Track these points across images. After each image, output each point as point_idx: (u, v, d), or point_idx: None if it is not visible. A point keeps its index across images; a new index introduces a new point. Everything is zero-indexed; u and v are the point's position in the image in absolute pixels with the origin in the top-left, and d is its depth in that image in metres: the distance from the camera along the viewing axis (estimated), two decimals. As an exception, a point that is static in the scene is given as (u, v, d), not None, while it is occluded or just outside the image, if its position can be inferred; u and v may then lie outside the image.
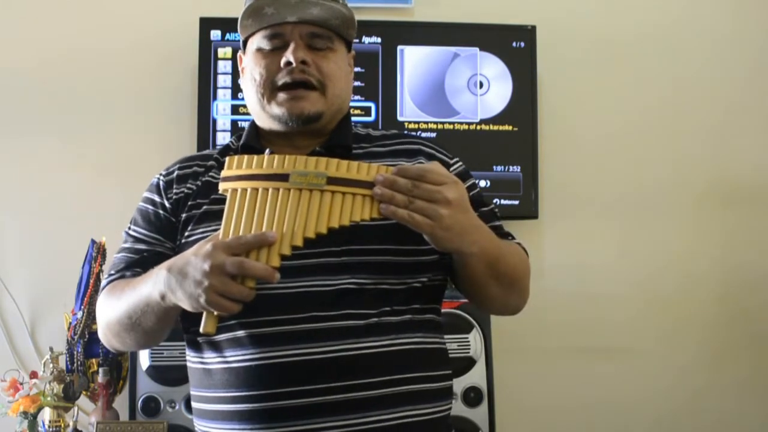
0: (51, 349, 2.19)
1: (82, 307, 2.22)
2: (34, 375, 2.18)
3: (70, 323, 2.23)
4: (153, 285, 1.22)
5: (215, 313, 1.17)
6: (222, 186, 1.23)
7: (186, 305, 1.18)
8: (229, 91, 2.59)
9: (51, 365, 2.16)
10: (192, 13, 2.61)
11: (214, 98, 2.59)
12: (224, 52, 2.60)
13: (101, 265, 2.24)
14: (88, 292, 2.22)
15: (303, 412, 1.21)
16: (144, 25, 2.68)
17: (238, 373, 1.25)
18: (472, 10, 2.73)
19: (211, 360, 1.30)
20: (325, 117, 1.37)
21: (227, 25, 2.58)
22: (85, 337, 2.20)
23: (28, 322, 2.56)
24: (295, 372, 1.22)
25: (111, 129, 2.65)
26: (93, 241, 2.26)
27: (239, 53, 1.46)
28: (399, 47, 2.66)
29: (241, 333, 1.25)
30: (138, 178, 2.53)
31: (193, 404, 1.36)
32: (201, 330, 1.18)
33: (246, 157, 1.22)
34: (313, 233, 1.17)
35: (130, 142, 2.65)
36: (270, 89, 1.36)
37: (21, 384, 2.14)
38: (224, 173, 1.23)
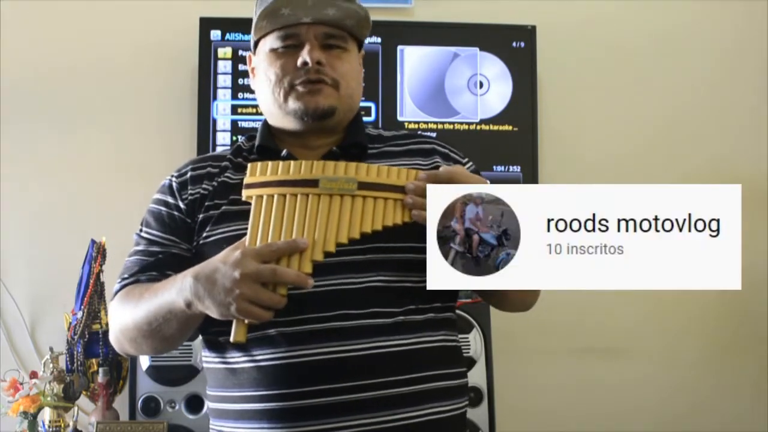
0: (51, 349, 2.19)
1: (82, 307, 2.21)
2: (34, 375, 2.18)
3: (70, 323, 2.23)
4: (178, 292, 1.21)
5: (246, 321, 1.17)
6: (245, 193, 1.22)
7: (215, 313, 1.18)
8: (229, 91, 2.59)
9: (51, 365, 2.15)
10: (192, 13, 2.60)
11: (214, 98, 2.59)
12: (224, 52, 2.60)
13: (101, 265, 2.24)
14: (88, 292, 2.22)
15: (333, 411, 1.22)
16: (144, 25, 2.68)
17: (267, 371, 1.25)
18: (472, 10, 2.73)
19: (236, 359, 1.29)
20: (338, 113, 1.38)
21: (227, 25, 2.58)
22: (85, 337, 2.20)
23: (28, 322, 2.56)
24: (324, 370, 1.23)
25: (111, 129, 2.65)
26: (93, 241, 2.26)
27: (248, 54, 1.47)
28: (399, 47, 2.66)
29: (270, 332, 1.25)
30: (138, 177, 2.56)
31: (213, 405, 1.35)
32: (231, 339, 1.18)
33: (270, 163, 1.22)
34: (346, 238, 1.18)
35: (130, 141, 2.65)
36: (287, 87, 1.36)
37: (21, 384, 2.14)
38: (248, 180, 1.23)
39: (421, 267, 1.27)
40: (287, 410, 1.23)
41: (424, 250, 1.25)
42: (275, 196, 1.19)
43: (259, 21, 1.38)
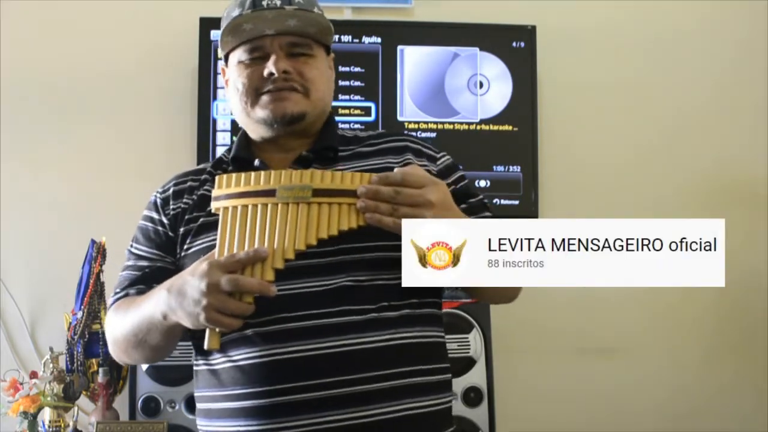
0: (51, 349, 2.19)
1: (82, 307, 2.22)
2: (34, 375, 2.18)
3: (70, 323, 2.23)
4: (155, 305, 1.27)
5: (217, 329, 1.21)
6: (214, 205, 1.27)
7: (187, 323, 1.23)
8: (229, 91, 2.59)
9: (51, 365, 2.15)
10: (192, 13, 2.60)
11: (214, 98, 2.59)
12: (224, 52, 2.60)
13: (101, 265, 2.24)
14: (88, 292, 2.22)
15: (308, 407, 1.24)
16: (144, 25, 2.68)
17: (244, 370, 1.28)
18: (472, 10, 2.73)
19: (217, 361, 1.32)
20: (309, 117, 1.41)
21: (227, 25, 2.58)
22: (85, 337, 2.20)
23: (28, 322, 2.56)
24: (298, 368, 1.25)
25: (111, 129, 2.65)
26: (93, 241, 2.26)
27: (221, 66, 1.50)
28: (399, 47, 2.66)
29: (247, 332, 1.28)
30: (138, 178, 2.56)
31: (199, 405, 1.38)
32: (205, 347, 1.23)
33: (234, 175, 1.27)
34: (304, 245, 1.21)
35: (130, 141, 2.65)
36: (254, 96, 1.39)
37: (21, 384, 2.14)
38: (215, 193, 1.27)
39: (392, 264, 1.29)
40: (265, 407, 1.26)
41: (394, 248, 1.27)
42: (239, 207, 1.24)
43: (224, 36, 1.42)
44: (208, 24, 2.59)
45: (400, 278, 1.29)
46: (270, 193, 1.22)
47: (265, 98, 1.38)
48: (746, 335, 2.78)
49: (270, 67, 1.37)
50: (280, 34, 1.38)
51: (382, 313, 1.30)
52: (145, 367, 2.17)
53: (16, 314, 2.56)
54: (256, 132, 1.44)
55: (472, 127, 2.66)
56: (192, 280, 1.20)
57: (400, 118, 2.64)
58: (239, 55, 1.41)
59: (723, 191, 2.80)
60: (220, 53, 1.47)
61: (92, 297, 2.22)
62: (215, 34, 2.59)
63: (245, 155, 1.44)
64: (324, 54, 1.45)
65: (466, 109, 2.67)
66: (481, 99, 2.67)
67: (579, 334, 2.72)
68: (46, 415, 2.14)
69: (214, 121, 2.59)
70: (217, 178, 1.28)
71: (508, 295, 1.44)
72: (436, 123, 2.65)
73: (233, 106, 1.45)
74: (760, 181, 2.82)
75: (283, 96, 1.38)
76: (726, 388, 2.75)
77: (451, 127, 2.65)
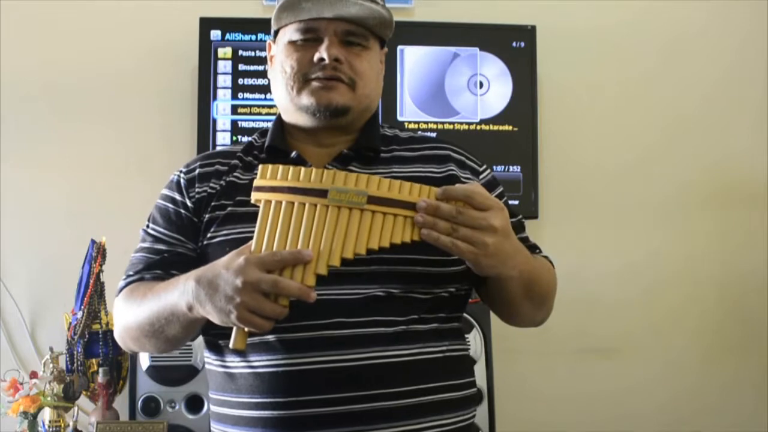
0: (51, 349, 2.18)
1: (82, 307, 2.21)
2: (34, 375, 2.18)
3: (70, 323, 2.23)
4: (180, 295, 1.19)
5: (246, 329, 1.15)
6: (254, 196, 1.19)
7: (215, 319, 1.16)
8: (229, 91, 2.59)
9: (51, 365, 2.15)
10: (192, 13, 2.61)
11: (214, 98, 2.59)
12: (224, 52, 2.60)
13: (101, 265, 2.24)
14: (88, 292, 2.22)
15: (330, 421, 1.20)
16: (144, 25, 2.68)
17: (263, 378, 1.23)
18: (472, 10, 2.73)
19: (235, 364, 1.27)
20: (352, 112, 1.34)
21: (227, 25, 2.58)
22: (85, 337, 2.20)
23: (28, 322, 2.56)
24: (321, 379, 1.20)
25: (111, 129, 2.65)
26: (93, 241, 2.26)
27: (269, 41, 1.43)
28: (399, 47, 2.66)
29: (269, 338, 1.22)
30: (138, 177, 2.57)
31: (213, 408, 1.34)
32: (231, 346, 1.16)
33: (281, 167, 1.18)
34: (352, 254, 1.14)
35: (129, 141, 2.65)
36: (301, 81, 1.33)
37: (21, 384, 2.14)
38: (257, 182, 1.19)
39: (426, 279, 1.26)
40: (283, 419, 1.21)
41: (429, 263, 1.24)
42: (283, 203, 1.16)
43: (280, 12, 1.35)
44: (208, 24, 2.60)
45: (432, 293, 1.27)
46: (321, 193, 1.14)
47: (313, 84, 1.31)
48: (746, 335, 2.78)
49: (322, 53, 1.30)
50: (337, 20, 1.31)
51: (411, 326, 1.25)
52: (145, 367, 2.17)
53: (16, 314, 2.56)
54: (295, 119, 1.36)
55: (472, 127, 2.66)
56: (226, 274, 1.12)
57: (400, 118, 2.64)
58: (290, 34, 1.34)
59: (723, 191, 2.80)
60: (272, 26, 1.39)
61: (92, 297, 2.22)
62: (215, 34, 2.60)
63: (280, 145, 1.36)
64: (378, 48, 1.38)
65: (466, 109, 2.67)
66: (481, 99, 2.67)
67: (579, 334, 2.72)
68: (46, 415, 2.14)
69: (214, 121, 2.59)
70: (260, 166, 1.19)
71: (535, 319, 1.41)
72: (436, 123, 2.65)
73: (276, 87, 1.38)
74: (760, 181, 2.82)
75: (331, 85, 1.31)
76: (726, 388, 2.75)
77: (451, 127, 2.65)
